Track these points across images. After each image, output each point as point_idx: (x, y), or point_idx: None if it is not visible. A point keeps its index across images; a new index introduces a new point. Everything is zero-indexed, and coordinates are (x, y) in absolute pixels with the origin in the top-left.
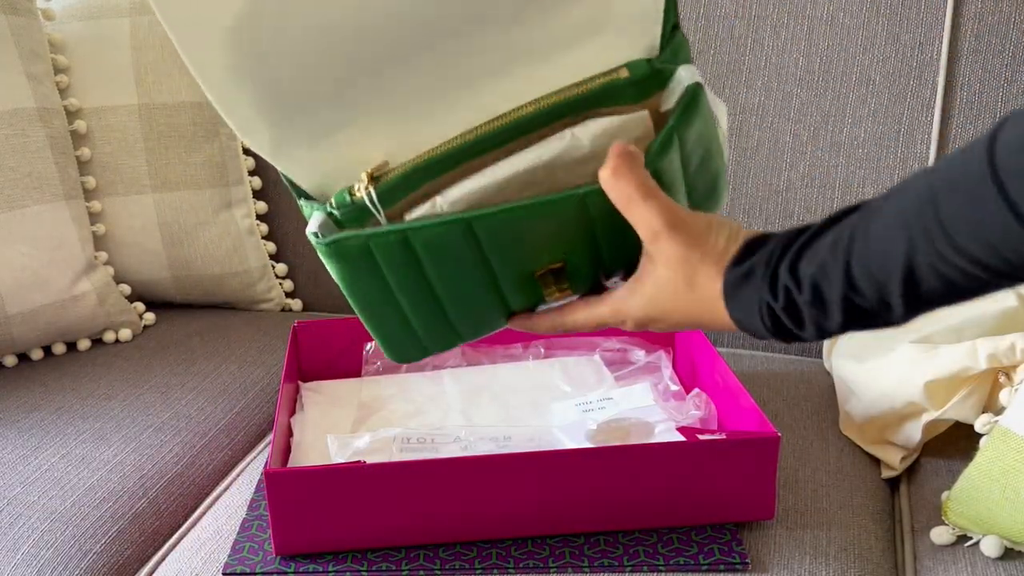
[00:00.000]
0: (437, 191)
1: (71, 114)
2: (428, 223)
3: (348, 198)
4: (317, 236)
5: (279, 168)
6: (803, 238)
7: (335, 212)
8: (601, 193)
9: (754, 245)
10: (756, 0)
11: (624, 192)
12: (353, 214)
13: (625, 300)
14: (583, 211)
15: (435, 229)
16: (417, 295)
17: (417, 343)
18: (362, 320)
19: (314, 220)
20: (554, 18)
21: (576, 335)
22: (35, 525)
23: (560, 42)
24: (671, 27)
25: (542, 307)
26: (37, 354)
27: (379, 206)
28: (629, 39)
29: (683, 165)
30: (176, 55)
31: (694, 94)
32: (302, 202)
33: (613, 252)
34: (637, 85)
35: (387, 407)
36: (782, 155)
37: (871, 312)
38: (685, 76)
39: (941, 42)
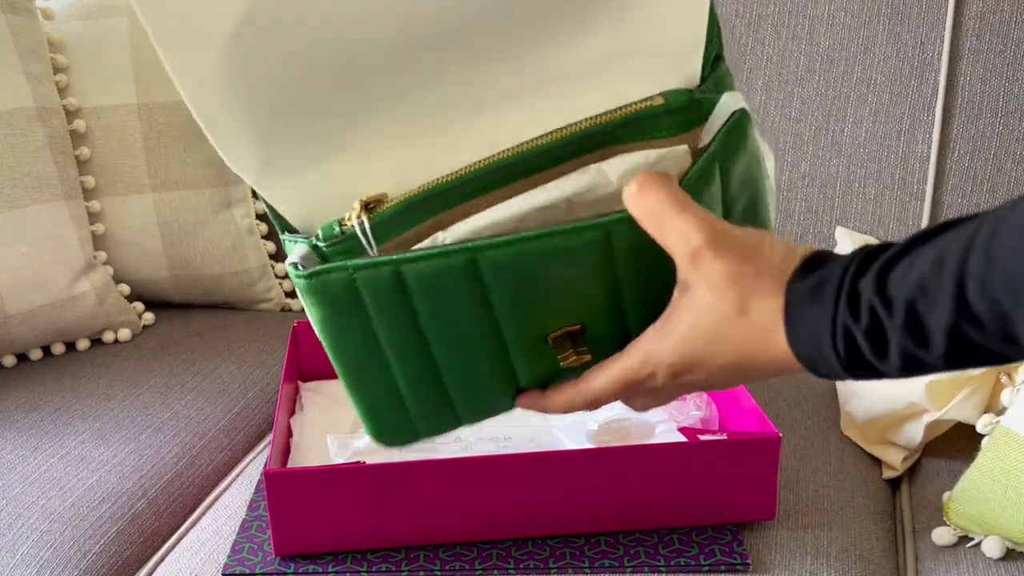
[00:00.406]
0: (441, 227)
1: (70, 114)
2: (425, 254)
3: (337, 229)
4: (296, 268)
5: (264, 197)
6: (889, 252)
7: (321, 245)
8: (630, 223)
9: (819, 259)
10: (757, 0)
11: (653, 207)
12: (341, 248)
13: (653, 344)
14: (607, 247)
15: (433, 261)
16: (408, 349)
17: (405, 418)
18: (343, 384)
19: (296, 252)
20: (584, 41)
21: None
22: (34, 525)
23: (591, 68)
24: (713, 57)
25: (556, 381)
26: (36, 354)
27: (371, 239)
28: (667, 68)
29: (725, 209)
30: None
31: (739, 121)
32: (285, 236)
33: (642, 306)
34: (675, 115)
35: None
36: (783, 155)
37: (983, 347)
38: (730, 102)
39: (942, 42)
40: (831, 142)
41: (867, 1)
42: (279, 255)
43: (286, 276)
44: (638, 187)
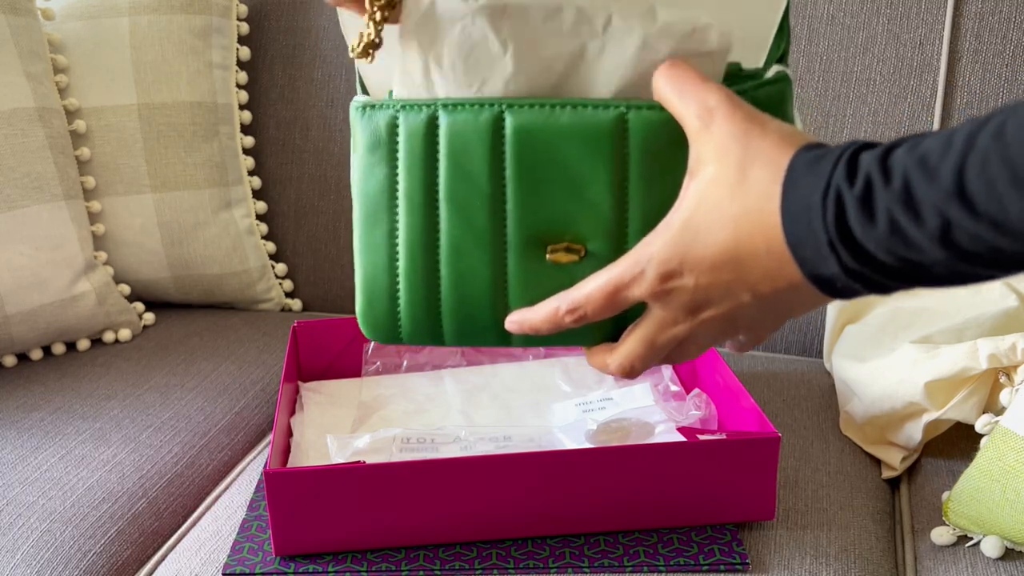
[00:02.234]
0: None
1: (70, 114)
2: (461, 101)
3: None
4: (356, 104)
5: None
6: (900, 139)
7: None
8: (650, 111)
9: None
10: None
11: (679, 74)
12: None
13: (646, 243)
14: (622, 135)
15: (467, 110)
16: (419, 208)
17: (393, 306)
18: (355, 243)
19: (359, 98)
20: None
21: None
22: (34, 525)
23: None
24: (779, 55)
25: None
26: (36, 354)
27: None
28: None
29: None
30: (175, 55)
31: (781, 79)
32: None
33: (647, 228)
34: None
35: (387, 407)
36: None
37: (976, 237)
38: (778, 70)
39: (941, 42)
40: (831, 142)
41: (867, 1)
42: (279, 255)
43: (286, 276)
44: (671, 61)
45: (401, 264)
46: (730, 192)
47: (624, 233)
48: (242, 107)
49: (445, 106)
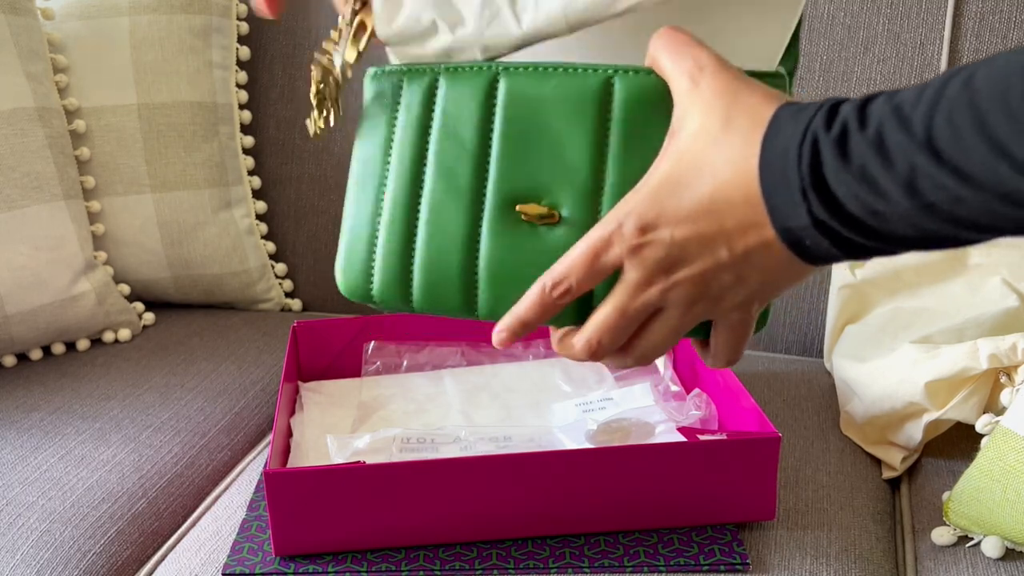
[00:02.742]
0: None
1: (70, 114)
2: (461, 65)
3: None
4: (368, 72)
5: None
6: (880, 91)
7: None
8: (634, 80)
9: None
10: None
11: (677, 37)
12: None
13: (627, 200)
14: (606, 98)
15: (464, 73)
16: (407, 166)
17: (369, 261)
18: (347, 195)
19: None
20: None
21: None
22: (34, 526)
23: None
24: (789, 72)
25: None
26: (36, 354)
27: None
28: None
29: None
30: (175, 54)
31: (784, 75)
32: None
33: (621, 185)
34: None
35: (387, 407)
36: None
37: (942, 189)
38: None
39: (942, 42)
40: None
41: (867, 1)
42: (279, 255)
43: (286, 276)
44: (669, 27)
45: (383, 217)
46: (712, 143)
47: (599, 200)
48: (242, 107)
49: (447, 69)
